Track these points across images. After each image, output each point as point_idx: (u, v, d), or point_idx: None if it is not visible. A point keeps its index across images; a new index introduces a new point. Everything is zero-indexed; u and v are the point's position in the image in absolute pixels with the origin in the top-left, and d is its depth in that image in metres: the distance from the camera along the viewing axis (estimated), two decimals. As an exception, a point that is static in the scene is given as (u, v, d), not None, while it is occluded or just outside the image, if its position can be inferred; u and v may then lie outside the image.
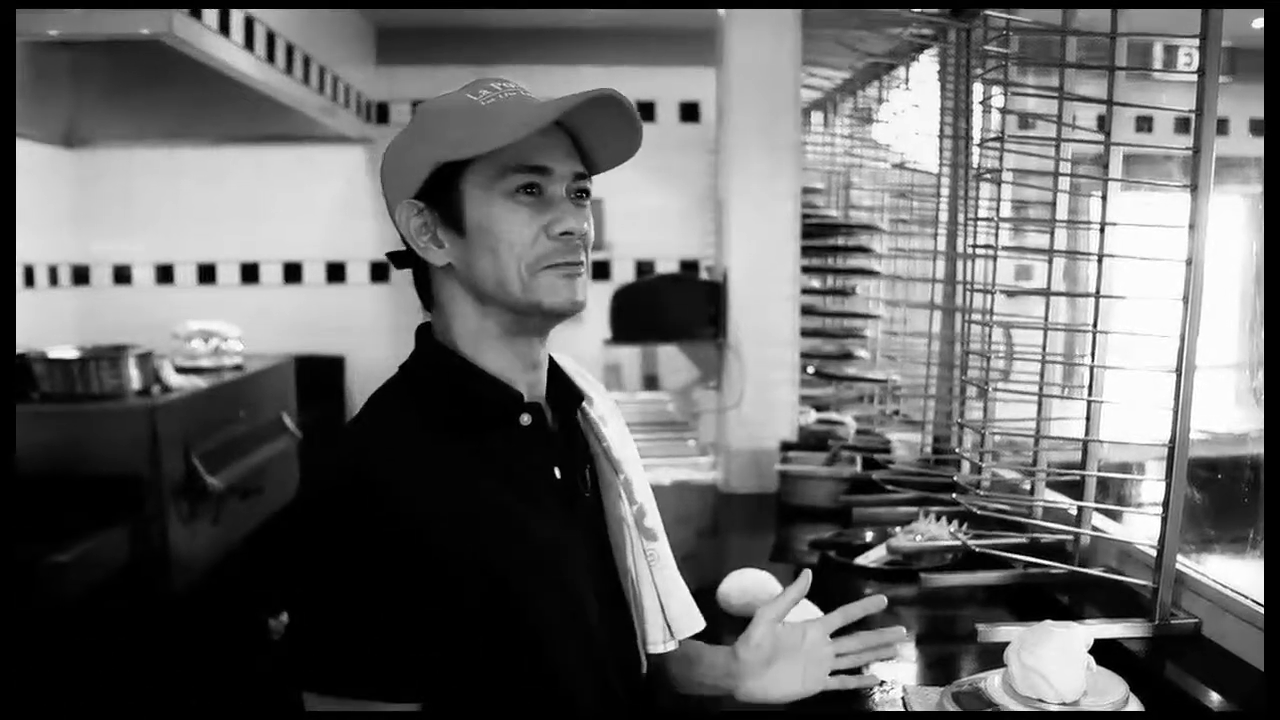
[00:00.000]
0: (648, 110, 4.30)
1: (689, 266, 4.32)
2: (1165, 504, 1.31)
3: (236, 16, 2.65)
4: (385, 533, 0.86)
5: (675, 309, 2.52)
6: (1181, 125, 1.39)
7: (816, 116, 2.96)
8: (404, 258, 1.02)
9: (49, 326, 3.78)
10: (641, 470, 1.13)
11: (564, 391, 1.07)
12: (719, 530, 2.35)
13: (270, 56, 2.95)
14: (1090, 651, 1.14)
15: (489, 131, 0.92)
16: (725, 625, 1.57)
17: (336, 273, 4.33)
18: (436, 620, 0.88)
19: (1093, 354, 1.45)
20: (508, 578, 0.92)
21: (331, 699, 0.87)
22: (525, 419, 0.99)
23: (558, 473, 1.02)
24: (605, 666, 1.01)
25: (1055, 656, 1.11)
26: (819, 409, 2.68)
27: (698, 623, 1.12)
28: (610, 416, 1.13)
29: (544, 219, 0.95)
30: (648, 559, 1.09)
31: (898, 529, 1.88)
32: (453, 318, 1.00)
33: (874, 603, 1.16)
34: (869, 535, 1.95)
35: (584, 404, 1.09)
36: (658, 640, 1.09)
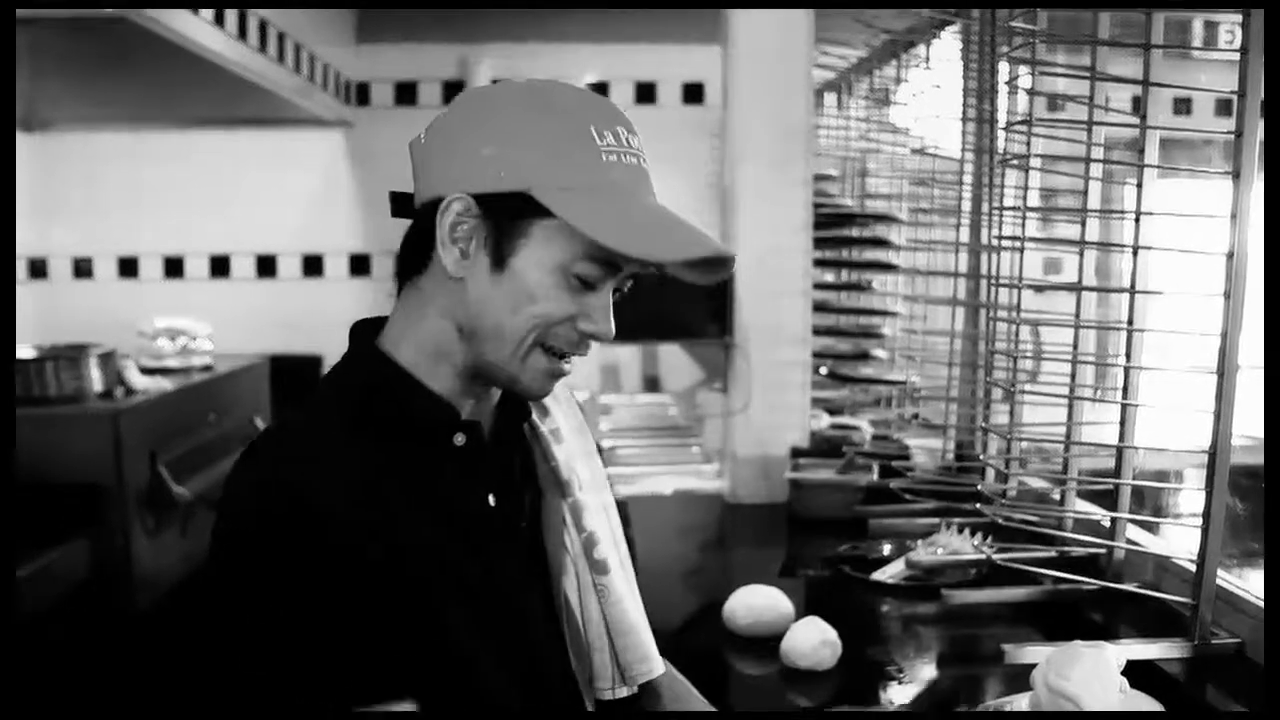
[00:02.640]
0: (647, 91, 4.30)
1: (693, 260, 4.32)
2: (1205, 515, 1.31)
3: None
4: (316, 546, 0.86)
5: (678, 305, 2.52)
6: (1223, 107, 1.39)
7: (830, 98, 2.96)
8: (411, 211, 0.96)
9: (4, 324, 3.78)
10: (602, 492, 1.10)
11: (511, 405, 1.04)
12: (724, 543, 2.35)
13: (242, 34, 2.95)
14: (1124, 673, 1.14)
15: (621, 224, 0.88)
16: (731, 646, 1.57)
17: (313, 266, 4.33)
18: (381, 630, 0.88)
19: (1127, 353, 1.45)
20: (424, 613, 0.90)
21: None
22: (459, 439, 0.97)
23: (491, 500, 0.99)
24: (540, 704, 0.99)
25: (1086, 679, 1.11)
26: (832, 413, 2.68)
27: (655, 668, 1.07)
28: (568, 431, 1.09)
29: (579, 307, 0.93)
30: (597, 593, 1.04)
31: (917, 542, 1.88)
32: (418, 322, 0.97)
33: None
34: (886, 548, 1.95)
35: (534, 417, 1.06)
36: (606, 685, 1.05)
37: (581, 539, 1.04)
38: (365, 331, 1.00)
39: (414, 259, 0.97)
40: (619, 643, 1.05)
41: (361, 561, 0.87)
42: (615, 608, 1.05)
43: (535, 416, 1.06)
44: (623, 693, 1.06)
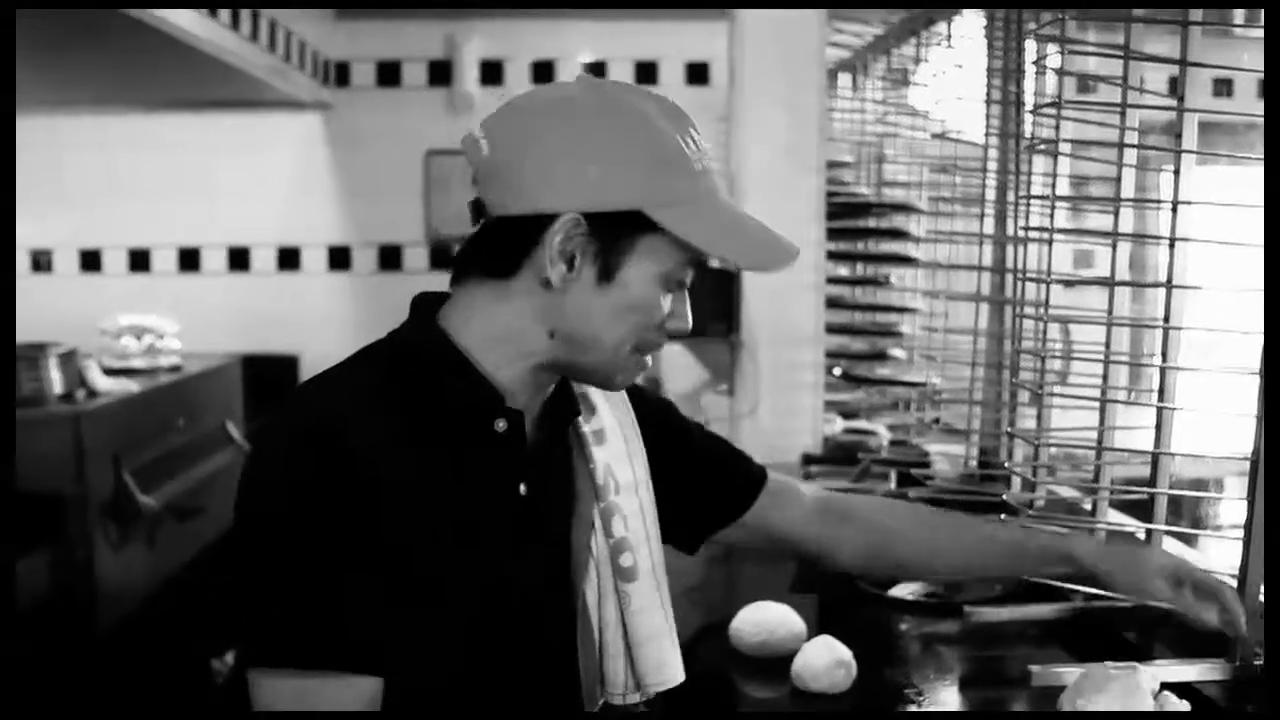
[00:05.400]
0: (648, 71, 4.31)
1: (697, 252, 4.32)
2: (1247, 526, 1.31)
3: (174, -37, 2.65)
4: (342, 494, 0.93)
5: (681, 301, 2.52)
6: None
7: (844, 79, 2.96)
8: (506, 218, 1.00)
9: (-42, 321, 3.79)
10: (644, 497, 1.15)
11: (561, 402, 1.11)
12: (731, 556, 2.34)
13: (213, 10, 2.95)
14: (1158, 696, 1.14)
15: (730, 237, 1.04)
16: (738, 666, 1.57)
17: (289, 259, 4.33)
18: (383, 593, 0.94)
19: (1164, 353, 1.45)
20: (437, 587, 0.97)
21: (285, 673, 0.91)
22: (500, 425, 1.02)
23: (523, 488, 1.05)
24: (539, 701, 1.05)
25: (1117, 703, 1.11)
26: (847, 416, 2.68)
27: (671, 677, 1.13)
28: (613, 431, 1.15)
29: (669, 308, 1.04)
30: (619, 598, 1.11)
31: (938, 555, 1.88)
32: (491, 316, 1.02)
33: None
34: (905, 562, 1.94)
35: (579, 418, 1.12)
36: (618, 689, 1.12)
37: (609, 544, 1.11)
38: (429, 304, 1.06)
39: (499, 264, 1.02)
40: (636, 651, 1.11)
41: (386, 520, 0.94)
42: (636, 616, 1.11)
43: (580, 417, 1.13)
44: (634, 699, 1.13)
